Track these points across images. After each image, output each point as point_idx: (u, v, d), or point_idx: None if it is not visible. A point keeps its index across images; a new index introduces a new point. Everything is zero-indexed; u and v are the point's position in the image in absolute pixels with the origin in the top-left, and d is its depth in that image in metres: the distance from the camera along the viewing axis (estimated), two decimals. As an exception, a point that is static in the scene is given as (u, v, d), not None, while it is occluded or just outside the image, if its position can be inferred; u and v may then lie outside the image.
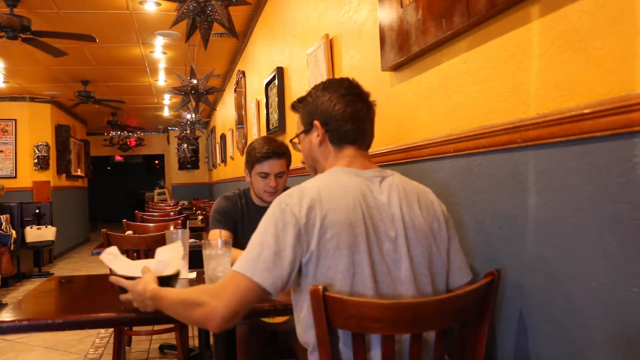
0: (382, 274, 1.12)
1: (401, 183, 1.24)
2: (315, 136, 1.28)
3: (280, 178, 2.12)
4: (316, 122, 1.27)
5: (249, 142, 5.67)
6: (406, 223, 1.17)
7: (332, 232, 1.09)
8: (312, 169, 1.36)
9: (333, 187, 1.16)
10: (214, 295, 1.11)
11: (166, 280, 1.40)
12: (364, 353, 1.04)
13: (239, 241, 2.07)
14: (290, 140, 1.43)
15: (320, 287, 1.01)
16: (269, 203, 1.40)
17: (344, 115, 1.23)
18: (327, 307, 1.02)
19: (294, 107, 1.37)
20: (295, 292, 1.18)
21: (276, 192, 2.10)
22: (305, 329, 1.16)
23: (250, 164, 2.14)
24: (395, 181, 1.23)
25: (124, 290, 1.38)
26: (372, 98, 1.31)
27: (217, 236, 2.10)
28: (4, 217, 5.74)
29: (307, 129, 1.31)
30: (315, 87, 1.31)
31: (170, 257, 1.53)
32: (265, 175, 2.11)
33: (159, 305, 1.26)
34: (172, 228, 3.23)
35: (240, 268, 1.10)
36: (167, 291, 1.26)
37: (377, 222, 1.15)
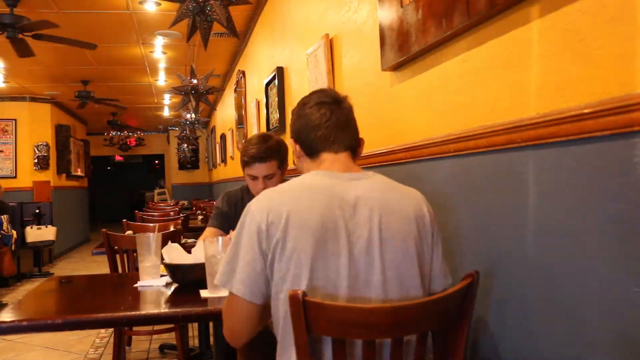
0: (350, 277, 1.09)
1: (381, 183, 1.22)
2: (295, 153, 1.32)
3: (270, 180, 2.07)
4: (290, 140, 1.33)
5: (249, 142, 5.68)
6: (382, 224, 1.13)
7: (293, 235, 1.09)
8: None
9: (300, 190, 1.17)
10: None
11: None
12: None
13: None
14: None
15: (300, 292, 0.98)
16: None
17: (307, 125, 1.26)
18: (306, 312, 0.98)
19: None
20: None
21: None
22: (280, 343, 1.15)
23: (242, 164, 2.13)
24: (374, 182, 1.21)
25: (172, 273, 1.72)
26: (350, 99, 1.30)
27: (209, 233, 2.23)
28: (5, 218, 5.74)
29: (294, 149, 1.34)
30: (292, 109, 1.35)
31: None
32: (253, 178, 2.09)
33: None
34: (172, 228, 3.23)
35: (219, 281, 1.17)
36: None
37: (348, 224, 1.11)
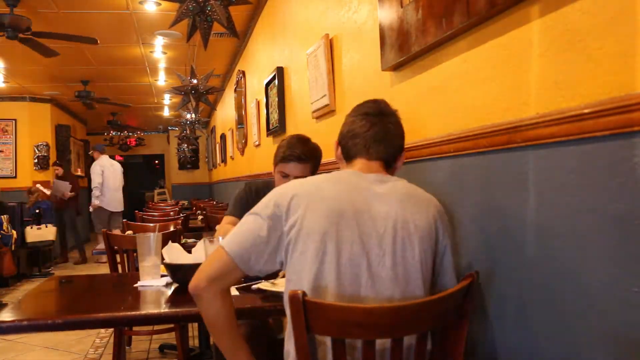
0: (360, 266, 1.14)
1: (404, 186, 1.27)
2: (337, 155, 1.40)
3: None
4: (335, 142, 1.41)
5: (249, 142, 5.69)
6: (398, 223, 1.18)
7: (309, 218, 1.15)
8: None
9: (325, 180, 1.24)
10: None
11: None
12: None
13: None
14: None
15: (300, 292, 0.99)
16: None
17: (349, 132, 1.34)
18: (306, 312, 0.99)
19: None
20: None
21: None
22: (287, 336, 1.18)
23: (275, 160, 2.13)
24: (398, 184, 1.26)
25: (173, 273, 1.71)
26: (390, 111, 1.38)
27: (228, 221, 2.21)
28: (5, 217, 5.74)
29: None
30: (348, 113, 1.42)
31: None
32: (285, 175, 2.10)
33: None
34: (172, 228, 3.23)
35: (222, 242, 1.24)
36: None
37: (365, 217, 1.17)
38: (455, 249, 1.53)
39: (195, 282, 1.19)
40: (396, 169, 1.36)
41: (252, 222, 1.21)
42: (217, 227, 2.27)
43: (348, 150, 1.33)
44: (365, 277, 1.14)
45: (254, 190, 2.27)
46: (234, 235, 1.22)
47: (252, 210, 1.24)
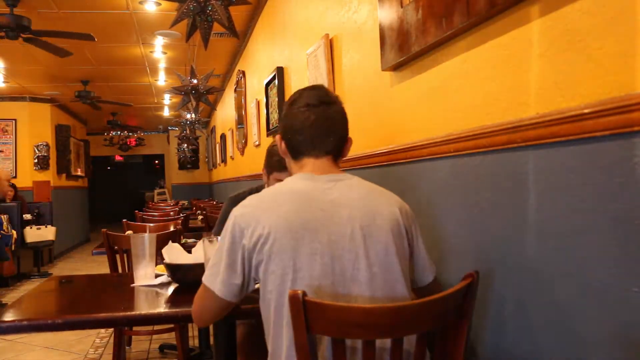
0: (335, 274, 1.12)
1: (359, 185, 1.26)
2: (281, 150, 1.36)
3: None
4: (277, 136, 1.36)
5: (249, 142, 5.69)
6: (363, 222, 1.17)
7: (273, 237, 1.12)
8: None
9: (282, 195, 1.21)
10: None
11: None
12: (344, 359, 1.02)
13: None
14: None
15: (300, 292, 0.99)
16: None
17: (292, 127, 1.29)
18: (306, 312, 0.99)
19: None
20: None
21: None
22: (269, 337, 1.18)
23: (270, 168, 2.12)
24: (353, 183, 1.25)
25: (172, 273, 1.71)
26: (341, 99, 1.32)
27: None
28: (4, 217, 5.73)
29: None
30: (285, 102, 1.37)
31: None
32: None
33: None
34: (172, 228, 3.23)
35: (205, 280, 1.23)
36: None
37: (329, 224, 1.15)
38: (455, 249, 1.53)
39: (201, 324, 1.37)
40: (344, 157, 1.34)
41: (225, 255, 1.19)
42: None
43: (294, 146, 1.29)
44: (342, 284, 1.13)
45: (236, 205, 2.30)
46: (214, 273, 1.20)
47: (220, 242, 1.22)
